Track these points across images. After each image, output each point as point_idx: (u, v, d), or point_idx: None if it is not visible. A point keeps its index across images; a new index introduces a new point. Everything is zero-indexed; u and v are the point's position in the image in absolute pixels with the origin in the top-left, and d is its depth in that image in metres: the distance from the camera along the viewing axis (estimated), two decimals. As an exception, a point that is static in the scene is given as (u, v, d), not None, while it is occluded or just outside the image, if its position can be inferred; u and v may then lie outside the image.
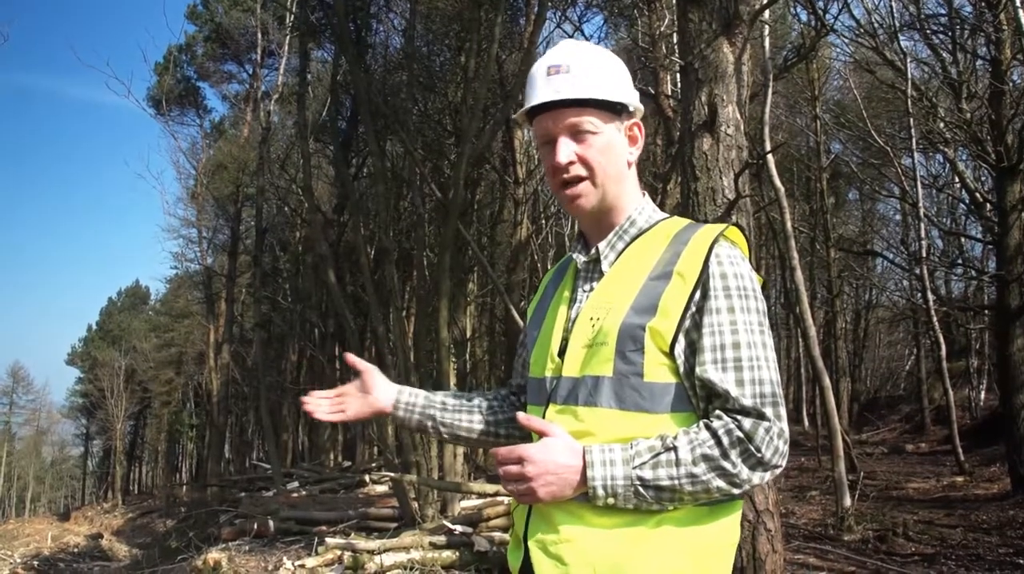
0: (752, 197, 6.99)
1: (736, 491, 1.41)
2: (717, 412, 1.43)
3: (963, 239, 17.47)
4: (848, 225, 26.27)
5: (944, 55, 13.40)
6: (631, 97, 1.62)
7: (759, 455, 1.39)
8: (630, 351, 1.45)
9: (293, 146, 20.58)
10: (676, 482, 1.38)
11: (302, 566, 7.51)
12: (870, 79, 17.48)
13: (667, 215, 1.67)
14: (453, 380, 10.46)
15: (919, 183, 14.91)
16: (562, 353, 1.57)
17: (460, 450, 11.19)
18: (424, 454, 10.16)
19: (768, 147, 10.99)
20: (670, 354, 1.45)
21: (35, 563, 16.18)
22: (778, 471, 1.44)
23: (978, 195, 13.33)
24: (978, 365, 20.29)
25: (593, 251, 1.63)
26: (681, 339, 1.45)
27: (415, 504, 9.64)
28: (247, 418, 27.03)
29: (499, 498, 9.09)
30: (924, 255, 14.66)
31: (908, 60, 13.80)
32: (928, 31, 13.44)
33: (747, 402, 1.41)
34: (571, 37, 17.81)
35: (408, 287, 17.01)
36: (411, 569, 7.10)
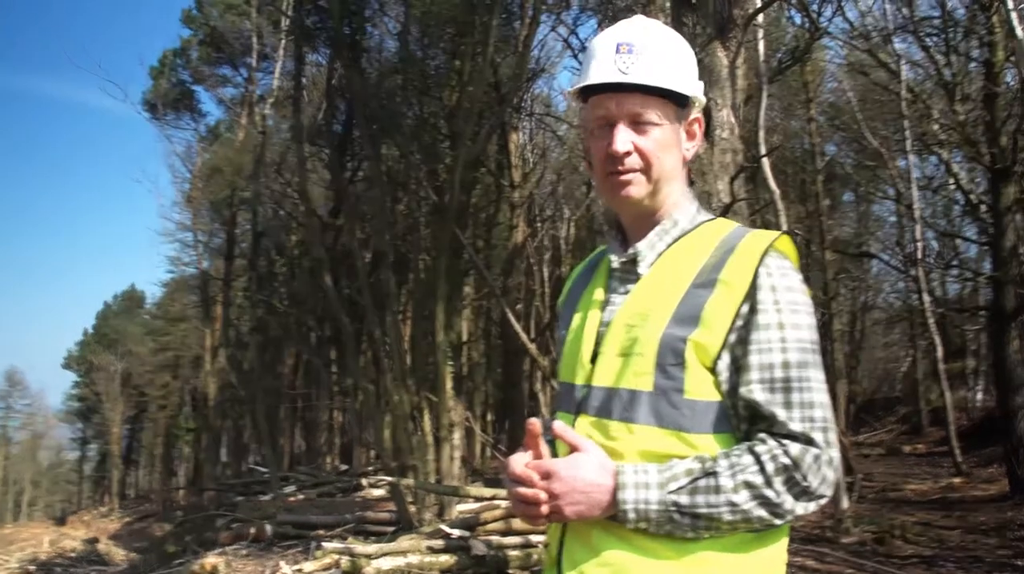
0: (747, 200, 6.99)
1: (777, 522, 1.32)
2: (762, 435, 1.33)
3: (958, 241, 17.47)
4: (844, 227, 26.27)
5: (938, 57, 13.42)
6: (697, 90, 1.49)
7: (805, 484, 1.29)
8: (671, 365, 1.34)
9: (288, 150, 20.56)
10: (715, 510, 1.28)
11: (299, 570, 7.50)
12: (864, 81, 17.50)
13: (712, 216, 1.55)
14: (449, 384, 10.45)
15: (914, 185, 14.94)
16: (593, 359, 1.45)
17: (457, 454, 11.19)
18: (421, 458, 10.17)
19: (763, 150, 11.00)
20: (713, 370, 1.35)
21: (32, 568, 16.13)
22: (823, 502, 1.34)
23: (973, 197, 13.34)
24: (975, 366, 20.32)
25: (631, 250, 1.49)
26: (725, 355, 1.35)
27: (412, 508, 9.64)
28: (244, 422, 26.97)
29: (496, 502, 9.09)
30: (920, 257, 14.69)
31: (902, 62, 13.83)
32: (921, 33, 13.46)
33: (795, 427, 1.31)
34: (565, 41, 17.92)
35: (404, 291, 17.00)
36: (409, 573, 7.10)
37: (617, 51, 1.43)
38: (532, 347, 13.62)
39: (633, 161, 1.44)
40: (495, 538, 7.87)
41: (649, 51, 1.43)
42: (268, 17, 22.58)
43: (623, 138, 1.43)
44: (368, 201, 15.37)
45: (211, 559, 9.29)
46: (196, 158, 27.86)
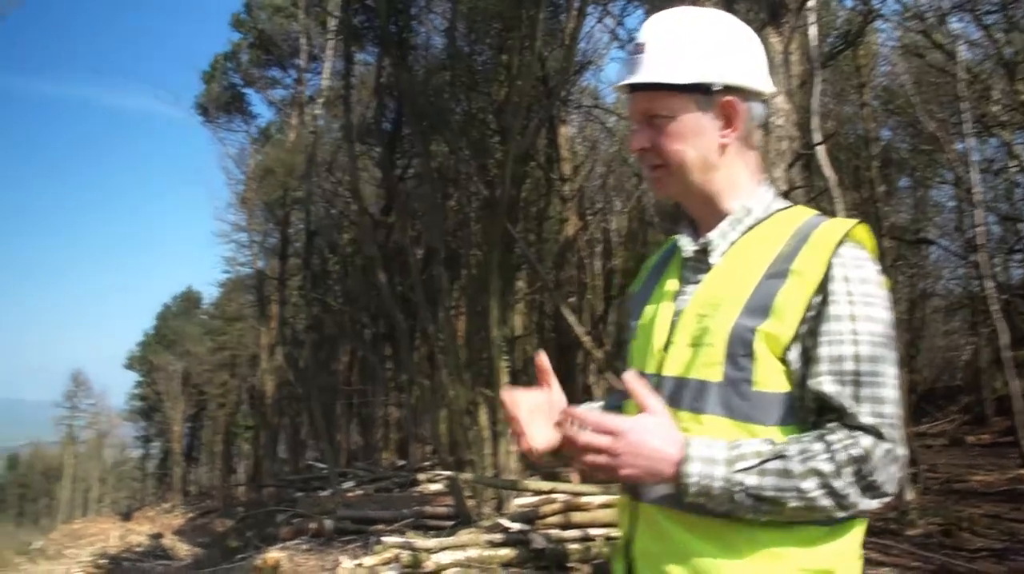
0: (803, 188, 6.89)
1: (839, 514, 1.29)
2: (831, 425, 1.30)
3: (1021, 224, 17.03)
4: (900, 213, 25.77)
5: (998, 35, 13.08)
6: (720, 73, 1.43)
7: (872, 478, 1.26)
8: (741, 356, 1.33)
9: (339, 149, 20.76)
10: (780, 494, 1.25)
11: (360, 565, 7.59)
12: (919, 63, 17.13)
13: (789, 204, 1.53)
14: (505, 378, 10.47)
15: (974, 168, 14.56)
16: (665, 349, 1.46)
17: (514, 447, 11.21)
18: (478, 453, 10.21)
19: (818, 136, 10.83)
20: (783, 361, 1.33)
21: (103, 561, 16.59)
22: (887, 500, 1.31)
23: (1036, 178, 13.00)
24: (1041, 353, 19.78)
25: (703, 240, 1.49)
26: (796, 346, 1.33)
27: (471, 502, 9.68)
28: (301, 419, 27.31)
29: (554, 495, 9.09)
30: (981, 242, 14.33)
31: (959, 42, 13.49)
32: (979, 12, 13.12)
33: (866, 420, 1.28)
34: (612, 32, 17.78)
35: (457, 286, 17.07)
36: (468, 567, 7.13)
37: (631, 52, 1.47)
38: (586, 340, 13.59)
39: (651, 158, 1.48)
40: (554, 532, 7.87)
41: (652, 47, 1.45)
42: (315, 18, 22.79)
43: (636, 138, 1.49)
44: (419, 198, 15.46)
45: (274, 554, 9.45)
46: (249, 160, 28.28)
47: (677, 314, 1.47)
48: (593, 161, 20.96)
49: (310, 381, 19.44)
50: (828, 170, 10.44)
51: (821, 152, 10.32)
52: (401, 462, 20.01)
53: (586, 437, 1.29)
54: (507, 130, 11.55)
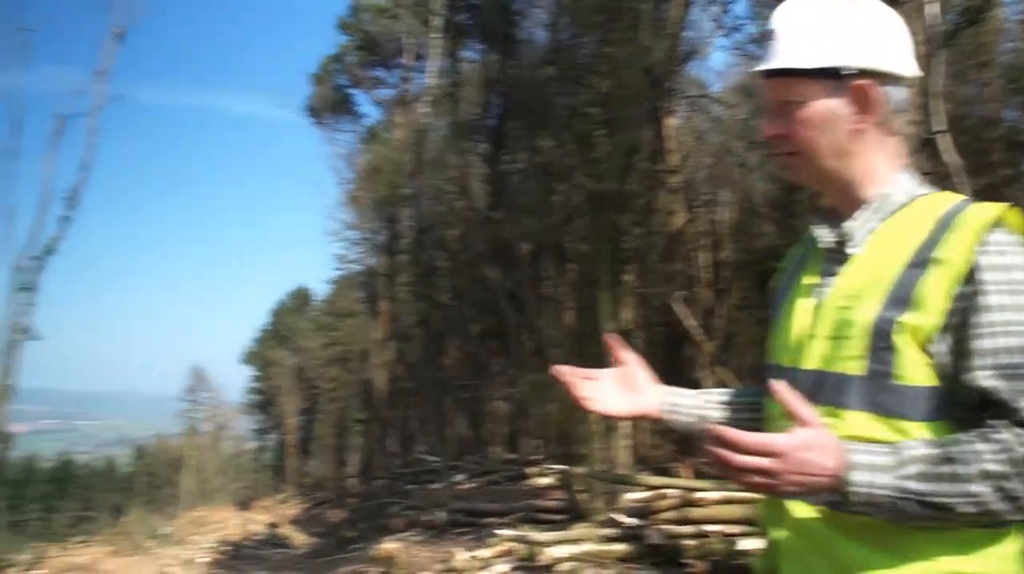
0: (928, 173, 6.63)
1: (1010, 518, 1.22)
2: (993, 423, 1.22)
3: None
4: (1028, 198, 24.60)
5: None
6: (852, 57, 1.38)
7: None
8: (882, 349, 1.28)
9: (446, 146, 21.00)
10: (950, 500, 1.19)
11: (475, 557, 7.68)
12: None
13: (931, 190, 1.46)
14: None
15: (1111, 148, 13.75)
16: (804, 341, 1.42)
17: (625, 442, 11.16)
18: (589, 447, 10.20)
19: (940, 120, 10.39)
20: (928, 354, 1.27)
21: (226, 548, 17.28)
22: None
23: None
24: None
25: (841, 229, 1.44)
26: (942, 338, 1.27)
27: (582, 497, 9.68)
28: (411, 412, 27.79)
29: (666, 491, 8.99)
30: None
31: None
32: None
33: None
34: (717, 21, 17.43)
35: (564, 281, 17.05)
36: (583, 561, 7.13)
37: (765, 39, 1.45)
38: (697, 334, 13.42)
39: (783, 145, 1.45)
40: (669, 527, 7.79)
41: (782, 33, 1.42)
42: (419, 18, 23.13)
43: (767, 124, 1.47)
44: (525, 193, 15.50)
45: (390, 545, 9.65)
46: (357, 159, 28.91)
47: (816, 306, 1.43)
48: (700, 152, 20.61)
49: (420, 375, 19.75)
50: (951, 155, 10.02)
51: (944, 136, 9.91)
52: (510, 455, 20.14)
53: (744, 460, 1.21)
54: (613, 123, 11.47)
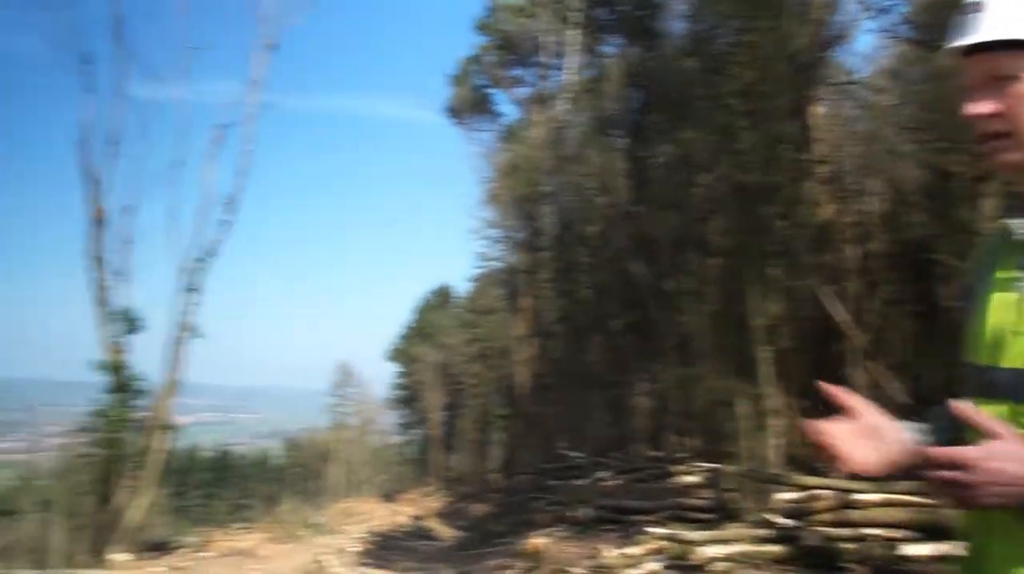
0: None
1: None
2: None
3: None
4: None
5: None
6: None
7: None
8: None
9: (586, 141, 21.00)
10: None
11: (624, 554, 7.66)
12: None
13: None
14: (766, 368, 10.18)
15: None
16: (1003, 338, 1.34)
17: (775, 441, 10.89)
18: (738, 445, 10.00)
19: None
20: None
21: (375, 538, 17.87)
22: None
23: None
24: None
25: None
26: None
27: (731, 495, 9.51)
28: (553, 408, 27.94)
29: (819, 492, 8.71)
30: None
31: None
32: None
33: None
34: (862, 3, 16.70)
35: (708, 274, 16.77)
36: (737, 562, 7.01)
37: (967, 12, 1.32)
38: (847, 328, 12.96)
39: (994, 124, 1.31)
40: (825, 529, 7.55)
41: (999, 2, 1.29)
42: (557, 15, 23.21)
43: (975, 102, 1.32)
44: (667, 186, 15.33)
45: (537, 540, 9.73)
46: (497, 157, 29.28)
47: (1019, 302, 1.34)
48: (848, 140, 19.84)
49: (562, 371, 19.82)
50: None
51: None
52: (656, 453, 19.95)
53: (938, 474, 1.20)
54: (756, 113, 11.20)
